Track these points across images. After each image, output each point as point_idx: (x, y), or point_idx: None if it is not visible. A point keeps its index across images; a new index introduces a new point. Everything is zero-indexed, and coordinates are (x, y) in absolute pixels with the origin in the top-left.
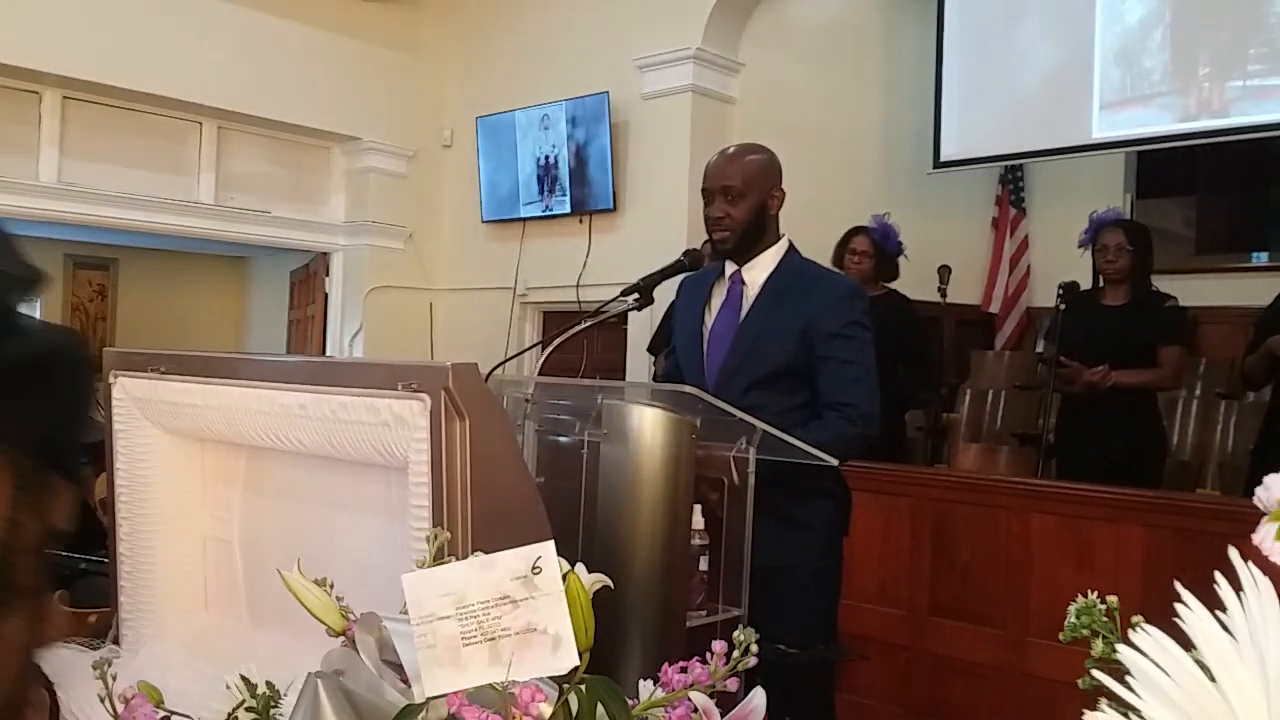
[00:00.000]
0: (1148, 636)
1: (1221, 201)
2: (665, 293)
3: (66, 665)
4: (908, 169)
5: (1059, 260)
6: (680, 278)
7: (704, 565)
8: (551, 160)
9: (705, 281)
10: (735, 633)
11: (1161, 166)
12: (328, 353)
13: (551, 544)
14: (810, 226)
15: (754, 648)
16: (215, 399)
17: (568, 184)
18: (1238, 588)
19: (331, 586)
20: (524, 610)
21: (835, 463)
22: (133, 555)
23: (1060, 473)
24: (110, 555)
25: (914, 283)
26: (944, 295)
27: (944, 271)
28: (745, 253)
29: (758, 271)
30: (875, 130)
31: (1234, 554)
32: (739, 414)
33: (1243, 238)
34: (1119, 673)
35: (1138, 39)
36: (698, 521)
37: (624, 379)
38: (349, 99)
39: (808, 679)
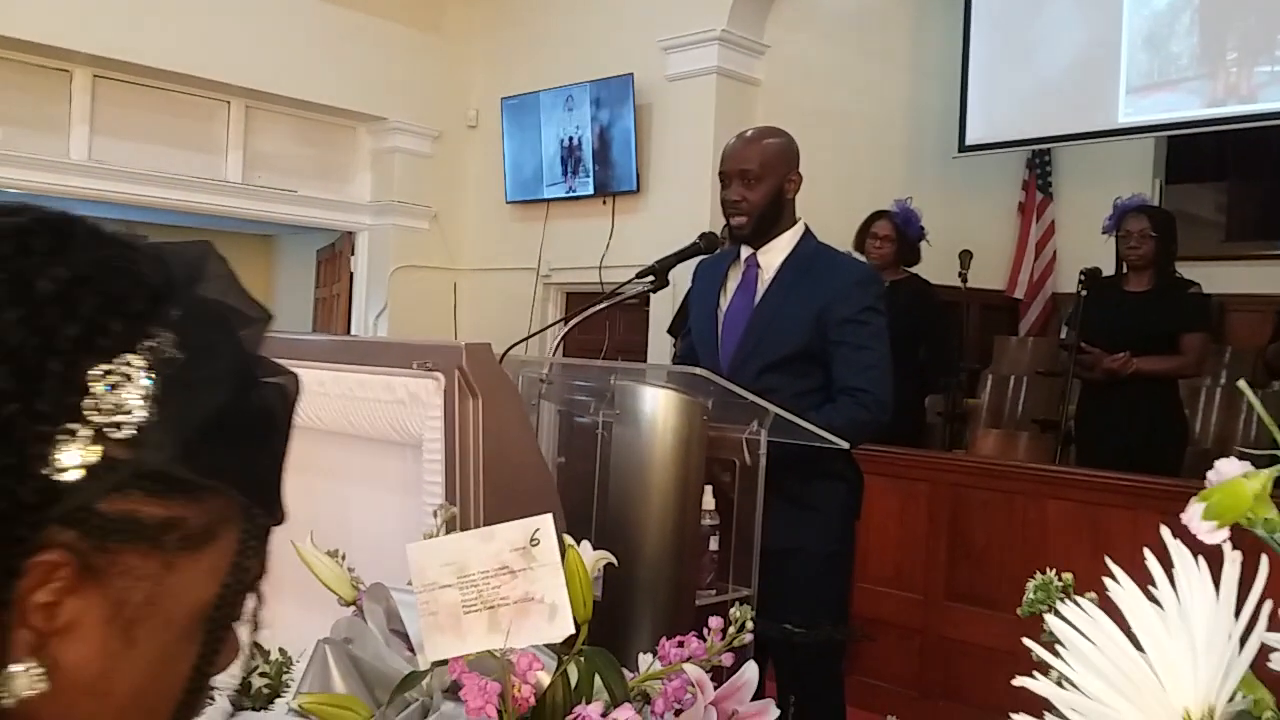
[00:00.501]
0: (1078, 609)
1: (1253, 188)
2: (684, 275)
3: None
4: (933, 153)
5: (1086, 246)
6: (696, 260)
7: (715, 545)
8: (575, 141)
9: (721, 265)
10: (732, 609)
11: (1192, 152)
12: (353, 331)
13: (550, 517)
14: (834, 210)
15: (749, 624)
16: None
17: (591, 165)
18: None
19: (343, 558)
20: (522, 580)
21: (846, 446)
22: None
23: (1079, 460)
24: None
25: (938, 267)
26: (964, 280)
27: (965, 256)
28: (761, 236)
29: (773, 255)
30: (900, 114)
31: (1165, 532)
32: (750, 396)
33: (1274, 225)
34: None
35: (1165, 23)
36: (709, 502)
37: (645, 361)
38: (375, 79)
39: (816, 659)
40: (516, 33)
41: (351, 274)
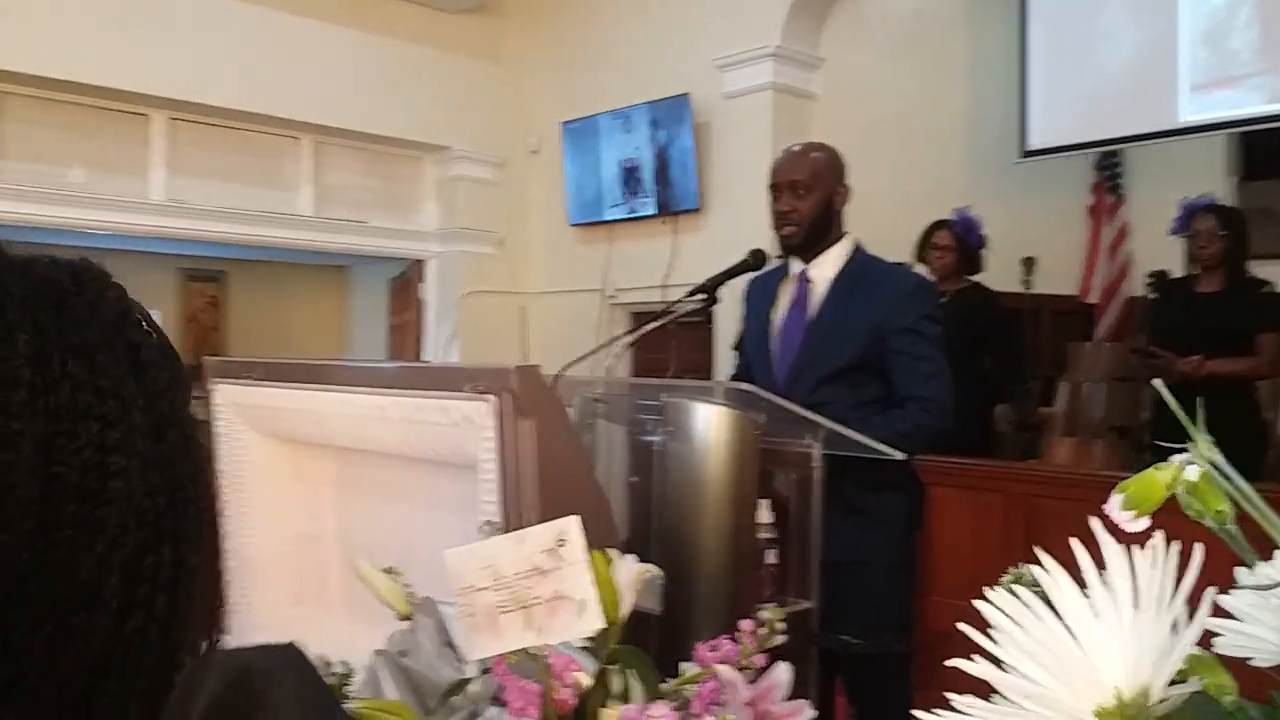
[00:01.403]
0: (1011, 595)
1: None
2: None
3: None
4: (994, 159)
5: (1161, 247)
6: (748, 277)
7: (773, 559)
8: (635, 162)
9: (771, 280)
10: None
11: (1268, 147)
12: (424, 357)
13: (575, 520)
14: (895, 221)
15: (779, 626)
16: (304, 402)
17: (652, 186)
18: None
19: (399, 575)
20: (552, 579)
21: (901, 457)
22: (236, 551)
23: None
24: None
25: (1004, 275)
26: (1028, 287)
27: (1029, 263)
28: (811, 248)
29: (824, 268)
30: (960, 121)
31: (1094, 523)
32: (801, 411)
33: None
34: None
35: (1224, 18)
36: (765, 515)
37: (710, 378)
38: (438, 110)
39: (881, 672)
40: (574, 58)
41: (422, 301)
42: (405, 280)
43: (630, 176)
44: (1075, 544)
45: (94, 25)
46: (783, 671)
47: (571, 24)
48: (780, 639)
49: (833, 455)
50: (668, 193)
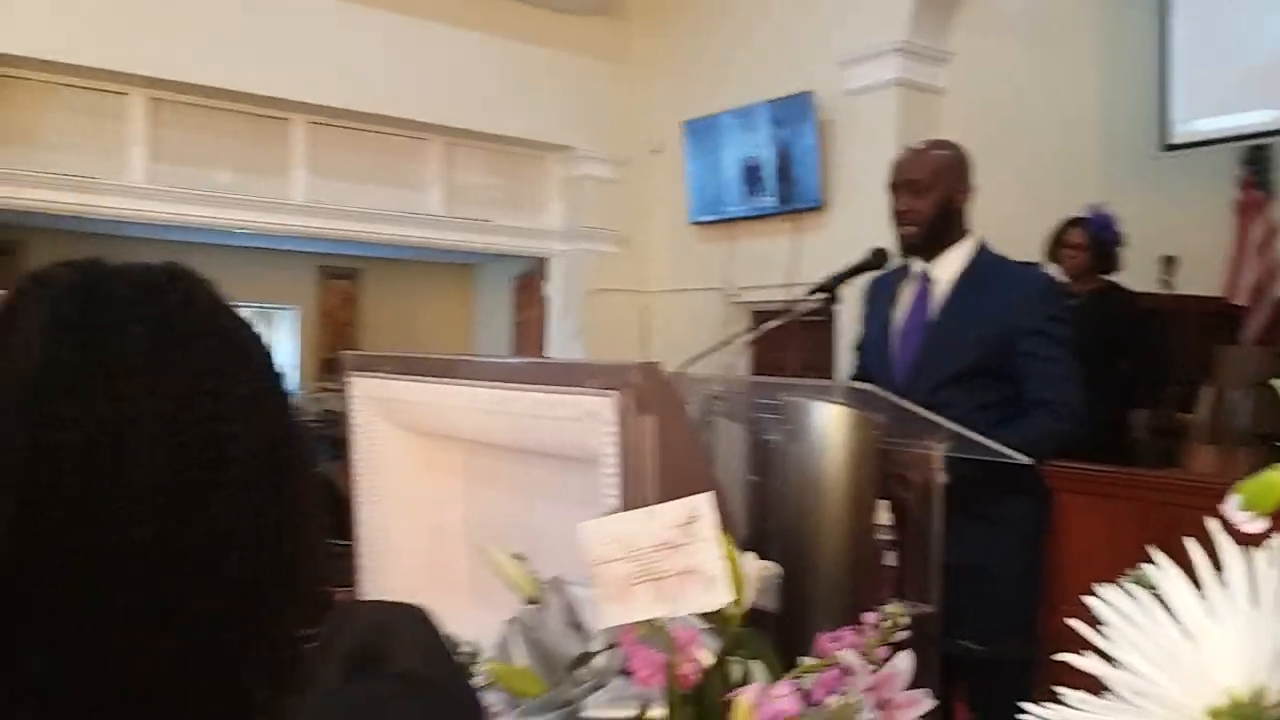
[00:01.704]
0: (1126, 594)
1: None
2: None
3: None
4: (1132, 153)
5: None
6: (869, 276)
7: (891, 561)
8: (757, 160)
9: (893, 280)
10: (888, 605)
11: None
12: (547, 354)
13: (708, 496)
14: (1026, 218)
15: (903, 621)
16: (433, 396)
17: (774, 184)
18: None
19: (526, 560)
20: (682, 554)
21: (1027, 461)
22: (369, 539)
23: None
24: (352, 540)
25: (1142, 274)
26: (1167, 287)
27: (1167, 262)
28: (931, 248)
29: (946, 269)
30: (1096, 114)
31: (1211, 524)
32: (923, 412)
33: None
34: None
35: None
36: (884, 517)
37: (831, 378)
38: (563, 111)
39: (1004, 679)
40: (696, 57)
41: (546, 298)
42: (530, 278)
43: (752, 175)
44: (1191, 544)
45: (240, 35)
46: (904, 660)
47: (694, 24)
48: (903, 634)
49: (956, 458)
50: (789, 191)
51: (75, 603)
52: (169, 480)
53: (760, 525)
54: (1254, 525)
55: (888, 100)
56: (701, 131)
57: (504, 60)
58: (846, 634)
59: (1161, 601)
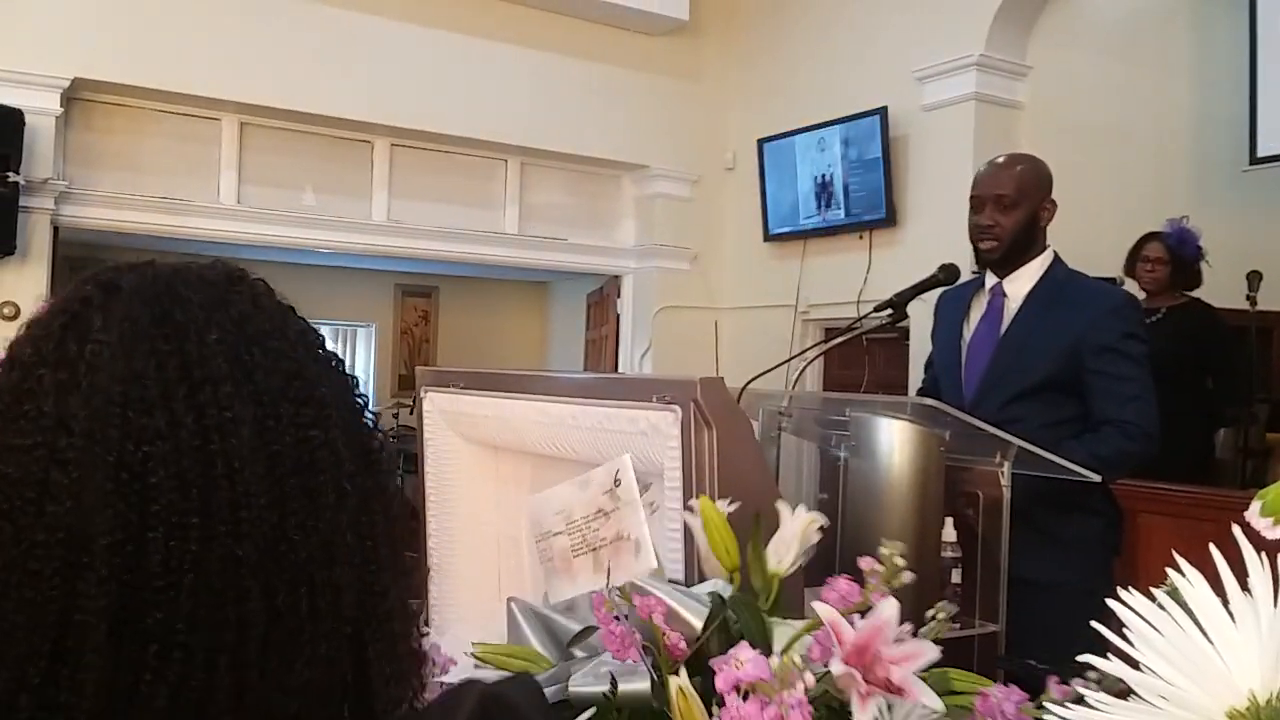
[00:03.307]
0: (1148, 599)
1: None
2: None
3: None
4: (1220, 167)
5: None
6: (939, 291)
7: (957, 578)
8: (830, 177)
9: (964, 295)
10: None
11: None
12: (620, 370)
13: (627, 457)
14: (1109, 234)
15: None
16: (503, 410)
17: (847, 200)
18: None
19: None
20: (614, 520)
21: (1096, 479)
22: (439, 549)
23: None
24: (421, 550)
25: (1230, 290)
26: (1253, 303)
27: (1253, 278)
28: (1010, 264)
29: (1020, 283)
30: (1182, 127)
31: (1236, 530)
32: (989, 429)
33: None
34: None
35: None
36: (949, 534)
37: (906, 393)
38: (637, 130)
39: None
40: (770, 74)
41: (618, 315)
42: (603, 295)
43: (825, 191)
44: (1215, 552)
45: (325, 61)
46: (889, 608)
47: (769, 42)
48: (950, 629)
49: (1024, 475)
50: (862, 207)
51: (191, 627)
52: (268, 490)
53: (831, 542)
54: (1275, 532)
55: (964, 115)
56: (775, 149)
57: (580, 81)
58: (841, 581)
59: (1185, 607)
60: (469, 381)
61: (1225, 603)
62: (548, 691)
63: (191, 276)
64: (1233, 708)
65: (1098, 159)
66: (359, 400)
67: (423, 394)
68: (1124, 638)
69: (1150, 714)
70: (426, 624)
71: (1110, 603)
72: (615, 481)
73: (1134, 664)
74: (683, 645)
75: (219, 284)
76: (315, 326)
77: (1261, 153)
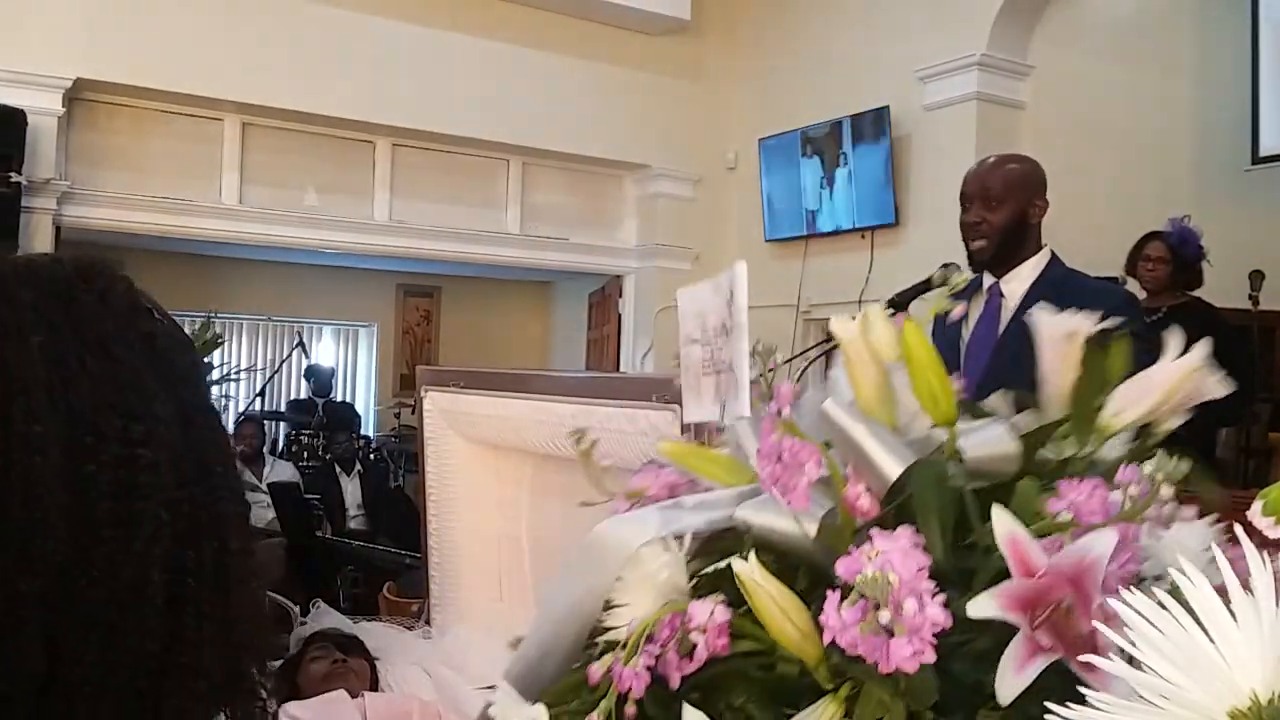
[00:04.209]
0: (1148, 598)
1: None
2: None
3: (388, 643)
4: (1222, 167)
5: None
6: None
7: None
8: (832, 177)
9: (963, 295)
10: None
11: None
12: (622, 370)
13: (743, 264)
14: (1111, 233)
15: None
16: (503, 410)
17: (849, 200)
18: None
19: None
20: (729, 343)
21: None
22: (440, 549)
23: None
24: (422, 550)
25: (1232, 290)
26: (1255, 303)
27: (1255, 277)
28: (1003, 263)
29: (1017, 283)
30: (1184, 126)
31: (1238, 529)
32: None
33: None
34: None
35: None
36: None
37: None
38: (639, 129)
39: None
40: (772, 74)
41: (620, 315)
42: (604, 295)
43: (826, 191)
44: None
45: (327, 61)
46: (1104, 542)
47: (770, 42)
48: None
49: None
50: (864, 207)
51: None
52: (71, 517)
53: None
54: (1277, 531)
55: (966, 115)
56: (776, 148)
57: (581, 80)
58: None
59: (1186, 606)
60: (469, 381)
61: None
62: (716, 515)
63: (38, 272)
64: (1234, 708)
65: (1100, 158)
66: (210, 417)
67: (423, 393)
68: (1125, 637)
69: (1151, 714)
70: (428, 624)
71: (1111, 602)
72: (731, 293)
73: (1135, 663)
74: (865, 502)
75: (64, 281)
76: (178, 327)
77: (1263, 152)
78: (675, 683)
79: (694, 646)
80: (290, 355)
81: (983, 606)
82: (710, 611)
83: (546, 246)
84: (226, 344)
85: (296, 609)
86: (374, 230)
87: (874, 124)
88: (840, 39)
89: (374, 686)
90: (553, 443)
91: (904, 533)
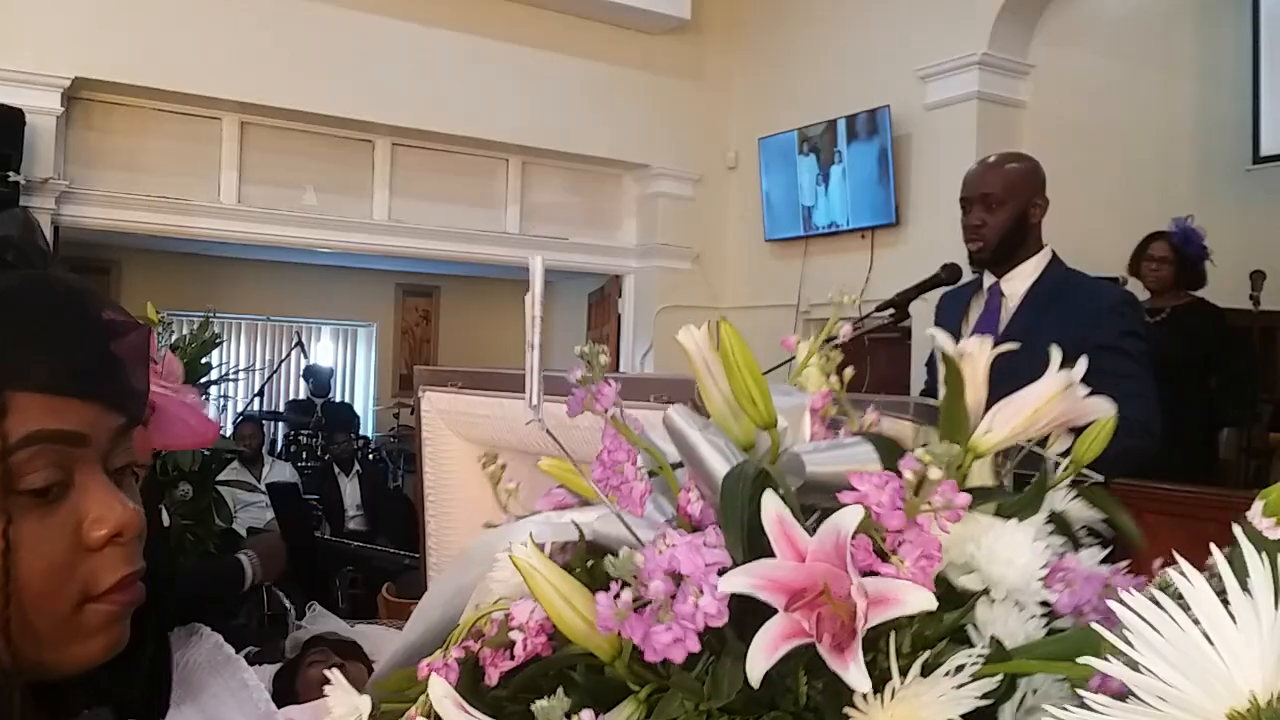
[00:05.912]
0: (1145, 599)
1: None
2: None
3: (386, 645)
4: (1224, 166)
5: None
6: (940, 292)
7: None
8: (832, 176)
9: (963, 295)
10: None
11: None
12: (621, 370)
13: (539, 257)
14: (1113, 233)
15: None
16: (501, 410)
17: (848, 200)
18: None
19: None
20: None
21: (1099, 478)
22: (438, 551)
23: None
24: (420, 551)
25: (1235, 290)
26: (1256, 303)
27: (1256, 278)
28: (1004, 263)
29: (1017, 283)
30: (1187, 126)
31: (1236, 529)
32: None
33: None
34: None
35: None
36: None
37: (908, 394)
38: (638, 129)
39: None
40: (772, 73)
41: (619, 315)
42: (604, 295)
43: (822, 188)
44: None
45: (325, 60)
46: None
47: (770, 41)
48: None
49: (1025, 474)
50: (864, 206)
51: None
52: None
53: None
54: (1278, 532)
55: (967, 114)
56: (776, 148)
57: (581, 80)
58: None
59: (1186, 607)
60: (467, 381)
61: (1226, 603)
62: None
63: None
64: (1233, 709)
65: (1101, 158)
66: None
67: (421, 393)
68: (1123, 638)
69: (1150, 715)
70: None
71: (1109, 602)
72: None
73: (1133, 665)
74: (697, 508)
75: None
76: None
77: (1265, 152)
78: (493, 679)
79: (513, 644)
80: (289, 355)
81: (734, 583)
82: (531, 610)
83: (546, 246)
84: (225, 344)
85: (292, 610)
86: (373, 230)
87: (874, 123)
88: (840, 38)
89: None
90: (550, 442)
91: (710, 533)
